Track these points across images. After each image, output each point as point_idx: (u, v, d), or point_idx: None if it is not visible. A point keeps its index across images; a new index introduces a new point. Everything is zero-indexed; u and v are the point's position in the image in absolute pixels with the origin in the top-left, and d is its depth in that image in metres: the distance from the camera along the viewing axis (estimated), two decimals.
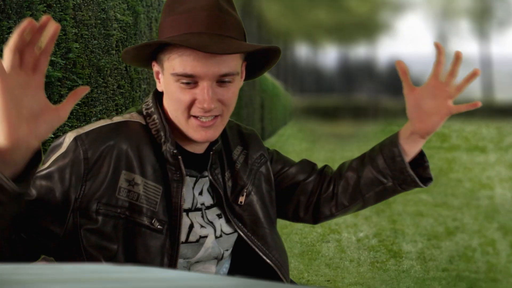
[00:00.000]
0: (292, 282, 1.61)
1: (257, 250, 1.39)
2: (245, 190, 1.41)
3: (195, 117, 1.26)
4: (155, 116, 1.31)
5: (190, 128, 1.27)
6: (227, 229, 1.38)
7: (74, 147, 1.24)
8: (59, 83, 3.98)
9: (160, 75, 1.31)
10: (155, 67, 1.32)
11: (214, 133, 1.28)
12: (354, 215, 7.05)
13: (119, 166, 1.25)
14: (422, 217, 6.99)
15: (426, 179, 1.46)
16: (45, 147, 3.80)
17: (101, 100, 4.83)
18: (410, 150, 1.43)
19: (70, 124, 4.15)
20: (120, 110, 5.27)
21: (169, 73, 1.26)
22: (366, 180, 1.47)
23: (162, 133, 1.29)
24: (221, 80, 1.25)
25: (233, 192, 1.40)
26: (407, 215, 7.10)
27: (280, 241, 1.48)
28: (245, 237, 1.38)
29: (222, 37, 1.23)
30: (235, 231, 1.39)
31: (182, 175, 1.29)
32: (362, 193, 1.49)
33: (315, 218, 1.54)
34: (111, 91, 5.07)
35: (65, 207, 1.23)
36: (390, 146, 1.44)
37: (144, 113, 1.33)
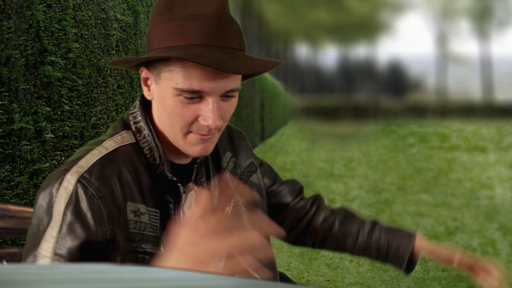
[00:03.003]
0: (291, 282, 1.60)
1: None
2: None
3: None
4: (145, 133, 1.22)
5: (188, 143, 1.20)
6: None
7: (84, 189, 1.12)
8: (59, 83, 3.98)
9: (150, 82, 1.20)
10: (144, 73, 1.20)
11: (211, 147, 1.22)
12: None
13: (125, 198, 1.17)
14: (422, 217, 6.99)
15: (411, 262, 1.50)
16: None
17: (101, 100, 4.83)
18: (419, 249, 1.48)
19: (70, 124, 4.15)
20: (120, 110, 5.27)
21: (170, 86, 1.15)
22: (360, 249, 1.51)
23: (156, 155, 1.21)
24: (225, 95, 1.17)
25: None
26: (407, 215, 7.10)
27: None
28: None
29: (232, 51, 1.14)
30: None
31: (180, 195, 1.23)
32: (352, 252, 1.53)
33: (296, 242, 1.56)
34: (111, 91, 5.07)
35: (103, 255, 1.13)
36: (403, 247, 1.48)
37: (133, 128, 1.24)
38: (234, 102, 1.20)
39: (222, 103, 1.17)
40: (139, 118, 1.24)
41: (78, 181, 1.12)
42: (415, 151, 14.73)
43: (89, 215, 1.11)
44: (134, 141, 1.23)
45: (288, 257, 5.23)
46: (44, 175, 3.74)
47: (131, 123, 1.25)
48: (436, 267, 4.99)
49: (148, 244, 1.19)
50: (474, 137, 17.98)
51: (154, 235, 1.20)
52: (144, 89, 1.23)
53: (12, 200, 3.36)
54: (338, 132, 24.53)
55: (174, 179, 1.22)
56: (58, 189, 1.12)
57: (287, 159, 12.79)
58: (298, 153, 14.02)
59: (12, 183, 3.38)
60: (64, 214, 1.11)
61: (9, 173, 3.35)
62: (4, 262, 1.57)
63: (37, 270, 0.65)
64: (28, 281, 0.57)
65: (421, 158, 13.29)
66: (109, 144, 1.21)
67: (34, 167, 3.60)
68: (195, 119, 1.17)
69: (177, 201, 1.23)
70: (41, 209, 1.13)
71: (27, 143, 3.53)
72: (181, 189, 1.23)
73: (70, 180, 1.13)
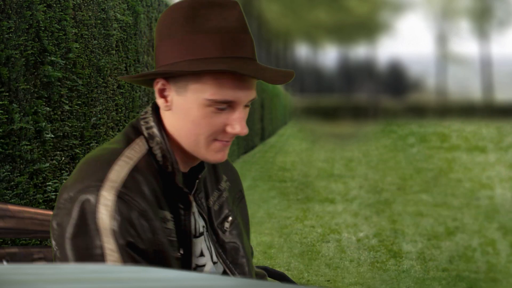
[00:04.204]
0: (291, 282, 1.61)
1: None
2: (230, 218, 1.39)
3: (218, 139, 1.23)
4: (158, 139, 1.23)
5: (211, 151, 1.23)
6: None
7: (125, 204, 1.13)
8: (59, 83, 3.98)
9: (167, 93, 1.22)
10: (160, 85, 1.21)
11: (227, 153, 1.26)
12: (354, 215, 7.06)
13: (156, 206, 1.19)
14: (422, 217, 6.99)
15: None
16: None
17: (101, 100, 4.83)
18: None
19: (70, 124, 4.16)
20: (120, 110, 5.27)
21: (200, 97, 1.17)
22: None
23: (168, 163, 1.23)
24: (246, 104, 1.22)
25: (219, 217, 1.37)
26: (407, 215, 7.10)
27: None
28: (223, 264, 1.34)
29: (254, 62, 1.21)
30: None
31: (189, 203, 1.26)
32: None
33: None
34: (111, 91, 5.07)
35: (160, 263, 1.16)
36: None
37: (146, 134, 1.24)
38: (248, 110, 1.26)
39: (244, 111, 1.22)
40: (152, 124, 1.25)
41: (117, 197, 1.13)
42: (415, 151, 14.74)
43: (135, 229, 1.13)
44: (147, 147, 1.24)
45: (288, 257, 5.23)
46: (44, 175, 3.75)
47: (143, 128, 1.25)
48: (436, 267, 4.99)
49: (169, 248, 1.21)
50: (474, 137, 17.98)
51: (175, 240, 1.22)
52: (160, 100, 1.23)
53: (12, 200, 3.36)
54: (338, 132, 24.54)
55: (186, 190, 1.24)
56: (96, 207, 1.12)
57: (287, 159, 12.79)
58: (298, 153, 14.02)
59: (12, 183, 3.38)
60: (112, 230, 1.11)
61: (9, 173, 3.35)
62: (4, 262, 1.57)
63: (37, 270, 0.65)
64: (28, 281, 0.57)
65: (421, 158, 13.30)
66: (131, 154, 1.21)
67: (34, 167, 3.61)
68: (223, 127, 1.21)
69: (187, 207, 1.26)
70: (83, 229, 1.13)
71: (27, 143, 3.53)
72: (190, 197, 1.26)
73: (107, 197, 1.13)
